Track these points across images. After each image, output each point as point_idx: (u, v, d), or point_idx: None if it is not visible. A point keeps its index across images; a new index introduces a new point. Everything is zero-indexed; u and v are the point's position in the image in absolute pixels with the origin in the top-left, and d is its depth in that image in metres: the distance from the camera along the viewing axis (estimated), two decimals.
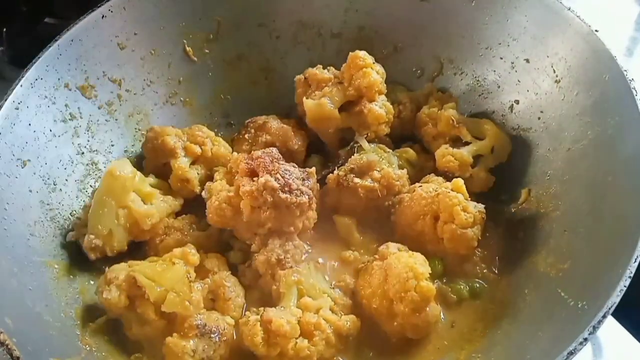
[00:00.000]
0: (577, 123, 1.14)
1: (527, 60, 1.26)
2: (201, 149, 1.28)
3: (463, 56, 1.36)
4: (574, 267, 1.00)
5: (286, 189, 1.10)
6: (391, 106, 1.31)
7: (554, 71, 1.20)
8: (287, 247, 1.14)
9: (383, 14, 1.40)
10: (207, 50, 1.43)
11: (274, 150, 1.18)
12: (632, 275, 0.85)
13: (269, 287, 1.13)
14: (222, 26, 1.42)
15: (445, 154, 1.25)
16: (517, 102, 1.29)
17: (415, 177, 1.27)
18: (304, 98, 1.30)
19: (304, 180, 1.14)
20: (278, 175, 1.10)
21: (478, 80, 1.36)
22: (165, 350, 1.01)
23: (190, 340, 1.01)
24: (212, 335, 1.03)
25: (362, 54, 1.28)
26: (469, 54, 1.35)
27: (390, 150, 1.28)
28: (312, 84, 1.33)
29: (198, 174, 1.27)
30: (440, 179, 1.22)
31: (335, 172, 1.23)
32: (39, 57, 1.16)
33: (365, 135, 1.29)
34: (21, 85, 1.12)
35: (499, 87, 1.33)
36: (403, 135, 1.38)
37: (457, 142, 1.29)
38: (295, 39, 1.46)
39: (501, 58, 1.30)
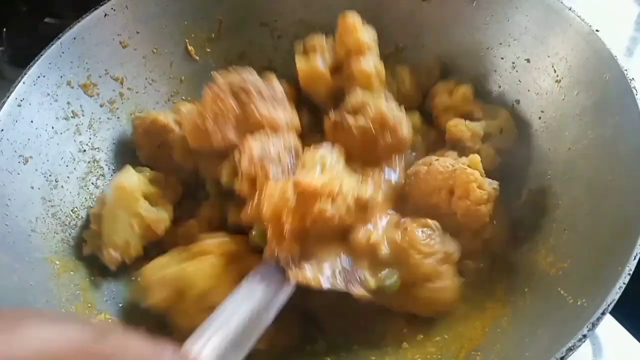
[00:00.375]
0: (578, 123, 1.14)
1: (528, 60, 1.26)
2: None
3: (464, 56, 1.37)
4: (573, 266, 1.00)
5: (243, 81, 1.14)
6: (381, 63, 1.30)
7: (555, 71, 1.21)
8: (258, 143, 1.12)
9: (384, 14, 1.41)
10: (208, 50, 1.43)
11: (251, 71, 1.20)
12: (631, 272, 0.85)
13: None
14: (223, 25, 1.43)
15: (457, 124, 1.27)
16: (517, 101, 1.30)
17: (421, 141, 1.30)
18: (297, 57, 1.32)
19: (268, 86, 1.18)
20: (240, 77, 1.15)
21: (479, 80, 1.36)
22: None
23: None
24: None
25: (352, 13, 1.29)
26: (470, 54, 1.35)
27: (391, 94, 1.27)
28: (309, 47, 1.34)
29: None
30: (456, 153, 1.23)
31: (332, 111, 1.22)
32: (41, 55, 1.16)
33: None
34: (23, 83, 1.13)
35: (499, 87, 1.33)
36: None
37: (467, 119, 1.30)
38: (296, 39, 1.46)
39: (502, 58, 1.31)
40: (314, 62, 1.30)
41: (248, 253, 1.10)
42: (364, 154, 1.20)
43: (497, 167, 1.26)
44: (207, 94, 1.16)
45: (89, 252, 1.16)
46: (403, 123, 1.20)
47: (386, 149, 1.20)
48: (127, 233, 1.15)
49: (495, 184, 1.15)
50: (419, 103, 1.40)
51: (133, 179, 1.17)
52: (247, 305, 0.93)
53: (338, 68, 1.31)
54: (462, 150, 1.25)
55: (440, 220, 1.13)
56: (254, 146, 1.10)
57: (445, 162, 1.17)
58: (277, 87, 1.21)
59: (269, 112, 1.15)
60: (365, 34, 1.28)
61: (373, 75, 1.27)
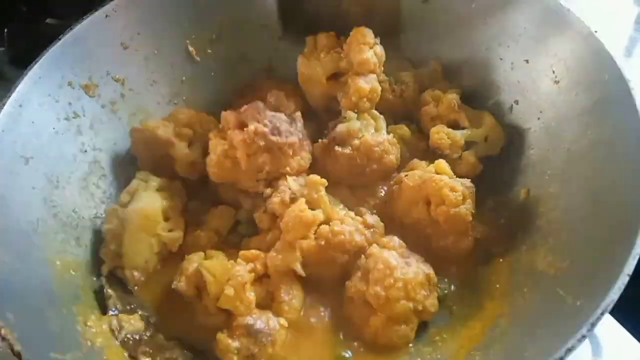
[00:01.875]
0: (577, 123, 1.14)
1: (527, 61, 1.26)
2: (192, 129, 1.30)
3: (463, 57, 1.37)
4: (573, 266, 1.00)
5: (275, 131, 1.18)
6: (379, 87, 1.31)
7: (554, 72, 1.21)
8: (297, 185, 1.19)
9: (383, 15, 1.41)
10: (209, 51, 1.44)
11: (259, 103, 1.24)
12: (630, 273, 0.85)
13: None
14: (224, 27, 1.43)
15: (439, 131, 1.30)
16: (516, 102, 1.30)
17: (409, 155, 1.32)
18: (300, 55, 1.36)
19: (291, 123, 1.22)
20: (266, 121, 1.19)
21: (478, 81, 1.36)
22: (216, 345, 1.07)
23: (237, 340, 1.06)
24: (259, 335, 1.07)
25: (366, 31, 1.31)
26: (469, 55, 1.36)
27: (381, 116, 1.30)
28: (318, 46, 1.36)
29: (194, 153, 1.30)
30: (424, 163, 1.25)
31: (320, 141, 1.27)
32: (42, 56, 1.17)
33: (354, 111, 1.30)
34: (25, 83, 1.13)
35: (498, 87, 1.33)
36: (406, 115, 1.41)
37: (454, 127, 1.32)
38: (296, 39, 1.47)
39: (501, 59, 1.31)
40: (314, 68, 1.34)
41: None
42: (352, 180, 1.27)
43: (480, 174, 1.28)
44: (235, 136, 1.18)
45: (107, 270, 1.18)
46: (390, 151, 1.25)
47: (372, 176, 1.27)
48: (147, 253, 1.19)
49: (467, 182, 1.17)
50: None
51: (157, 204, 1.20)
52: None
53: (338, 75, 1.34)
54: (445, 158, 1.25)
55: (427, 233, 1.18)
56: (288, 191, 1.17)
57: (413, 176, 1.20)
58: (300, 125, 1.25)
59: (298, 164, 1.21)
60: (372, 56, 1.29)
61: (367, 96, 1.29)
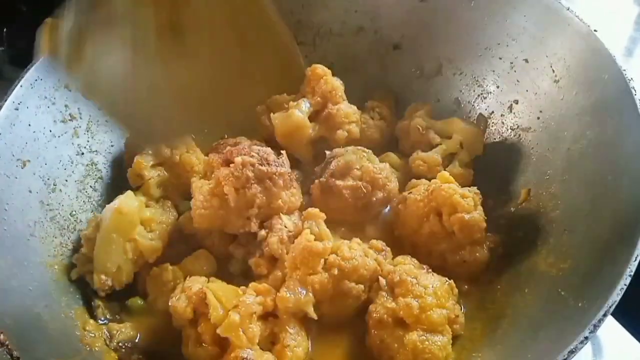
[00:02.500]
0: (577, 123, 1.14)
1: (526, 60, 1.26)
2: (171, 152, 1.25)
3: (462, 56, 1.37)
4: (574, 267, 1.00)
5: (263, 161, 1.11)
6: (356, 109, 1.32)
7: (553, 71, 1.21)
8: (292, 223, 1.13)
9: (382, 15, 1.41)
10: None
11: (244, 138, 1.22)
12: (632, 274, 0.85)
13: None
14: None
15: (416, 159, 1.30)
16: (516, 102, 1.30)
17: (402, 180, 1.28)
18: (271, 114, 1.29)
19: (278, 156, 1.16)
20: (253, 153, 1.12)
21: (477, 80, 1.36)
22: None
23: None
24: None
25: (320, 66, 1.31)
26: (468, 54, 1.35)
27: (370, 151, 1.27)
28: (273, 109, 1.33)
29: (158, 175, 1.24)
30: (424, 180, 1.24)
31: (316, 180, 1.22)
32: (38, 58, 1.15)
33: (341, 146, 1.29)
34: (21, 86, 1.12)
35: (498, 87, 1.33)
36: (388, 145, 1.40)
37: (428, 148, 1.32)
38: (295, 39, 1.46)
39: (500, 58, 1.31)
40: (293, 114, 1.27)
41: None
42: (356, 214, 1.21)
43: (480, 175, 1.28)
44: (220, 173, 1.11)
45: (76, 276, 1.12)
46: (390, 177, 1.23)
47: (377, 206, 1.22)
48: (120, 258, 1.12)
49: (474, 189, 1.15)
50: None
51: (133, 204, 1.14)
52: None
53: (314, 116, 1.31)
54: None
55: (441, 248, 1.14)
56: (284, 230, 1.11)
57: (419, 190, 1.18)
58: (287, 162, 1.18)
59: (290, 200, 1.14)
60: (337, 82, 1.31)
61: (355, 121, 1.30)
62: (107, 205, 1.15)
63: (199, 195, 1.12)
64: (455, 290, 1.07)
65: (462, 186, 1.15)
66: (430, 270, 1.08)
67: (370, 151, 1.26)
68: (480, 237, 1.13)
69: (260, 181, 1.10)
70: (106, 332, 1.08)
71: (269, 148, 1.17)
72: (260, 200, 1.10)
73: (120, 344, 1.07)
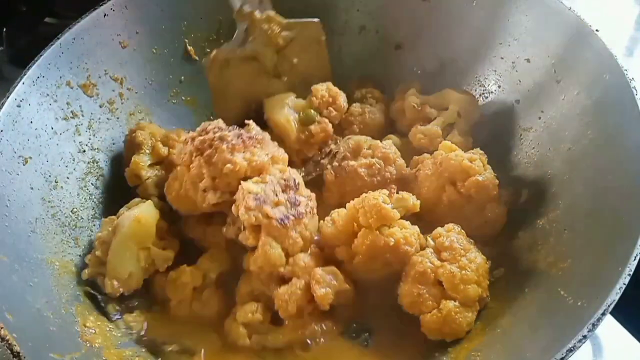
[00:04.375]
0: (578, 123, 1.14)
1: (528, 60, 1.26)
2: (168, 151, 1.26)
3: (464, 56, 1.37)
4: (574, 266, 0.99)
5: (202, 132, 1.13)
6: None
7: (555, 71, 1.21)
8: (257, 186, 1.09)
9: (384, 14, 1.41)
10: (208, 50, 1.43)
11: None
12: (631, 273, 0.85)
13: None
14: (223, 26, 1.43)
15: (416, 133, 1.32)
16: (517, 101, 1.30)
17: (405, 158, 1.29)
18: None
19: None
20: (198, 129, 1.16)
21: (479, 80, 1.36)
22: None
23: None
24: None
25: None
26: (470, 54, 1.36)
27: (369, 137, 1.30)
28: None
29: (156, 175, 1.25)
30: (426, 155, 1.25)
31: (329, 166, 1.24)
32: (41, 55, 1.16)
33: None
34: (23, 83, 1.12)
35: (499, 86, 1.33)
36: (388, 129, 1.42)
37: (428, 122, 1.34)
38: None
39: (502, 58, 1.31)
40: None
41: None
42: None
43: (474, 146, 1.26)
44: (179, 159, 1.16)
45: (87, 277, 1.13)
46: (398, 153, 1.24)
47: (391, 180, 1.22)
48: (132, 265, 1.13)
49: (477, 150, 1.18)
50: None
51: (152, 214, 1.16)
52: None
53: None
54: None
55: (465, 214, 1.16)
56: (248, 195, 1.07)
57: (426, 165, 1.20)
58: (254, 128, 1.18)
59: (247, 157, 1.11)
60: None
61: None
62: (125, 212, 1.16)
63: (170, 181, 1.16)
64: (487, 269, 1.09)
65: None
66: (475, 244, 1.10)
67: (370, 137, 1.29)
68: (495, 194, 1.16)
69: (200, 151, 1.11)
70: (123, 327, 1.10)
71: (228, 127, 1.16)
72: (207, 170, 1.10)
73: (142, 334, 1.10)
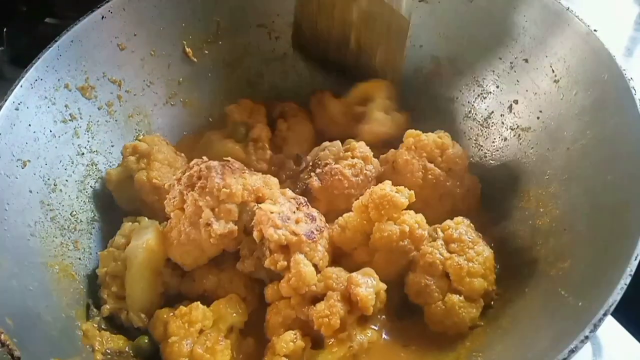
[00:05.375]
0: (577, 122, 1.14)
1: (526, 60, 1.26)
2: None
3: (462, 56, 1.37)
4: (574, 266, 1.00)
5: (187, 169, 1.12)
6: None
7: (553, 71, 1.21)
8: (273, 205, 1.09)
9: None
10: (206, 51, 1.43)
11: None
12: (632, 273, 0.85)
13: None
14: (221, 27, 1.42)
15: (365, 133, 1.34)
16: (516, 102, 1.30)
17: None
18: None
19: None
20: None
21: (477, 80, 1.36)
22: None
23: None
24: None
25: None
26: (468, 54, 1.35)
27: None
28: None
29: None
30: (392, 150, 1.29)
31: (312, 174, 1.23)
32: (38, 58, 1.16)
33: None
34: (21, 86, 1.12)
35: (498, 87, 1.33)
36: None
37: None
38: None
39: (500, 58, 1.31)
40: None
41: None
42: (357, 192, 1.21)
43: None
44: (170, 207, 1.11)
45: (108, 313, 1.10)
46: (370, 151, 1.27)
47: (371, 177, 1.24)
48: (152, 294, 1.11)
49: (439, 132, 1.26)
50: None
51: (160, 238, 1.12)
52: None
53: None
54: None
55: (448, 186, 1.21)
56: (272, 216, 1.05)
57: (401, 153, 1.25)
58: (236, 161, 1.15)
59: (240, 182, 1.09)
60: None
61: None
62: (134, 242, 1.12)
63: (167, 234, 1.10)
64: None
65: (407, 129, 1.27)
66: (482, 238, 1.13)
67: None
68: (467, 163, 1.26)
69: (191, 186, 1.08)
70: (98, 338, 1.05)
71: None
72: (203, 202, 1.06)
73: (108, 351, 1.05)
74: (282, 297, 1.06)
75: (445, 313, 1.06)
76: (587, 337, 0.81)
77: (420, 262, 1.09)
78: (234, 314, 1.08)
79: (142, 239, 1.12)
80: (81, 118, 1.24)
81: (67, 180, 1.19)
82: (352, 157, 1.24)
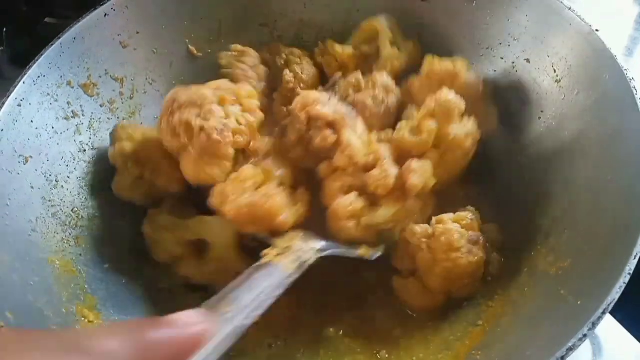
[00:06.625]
0: (578, 122, 1.14)
1: (528, 60, 1.26)
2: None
3: (464, 56, 1.35)
4: (574, 265, 0.99)
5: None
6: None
7: (555, 71, 1.21)
8: None
9: (383, 14, 1.41)
10: (209, 50, 1.43)
11: None
12: (631, 272, 0.85)
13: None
14: (224, 26, 1.43)
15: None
16: None
17: None
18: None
19: None
20: None
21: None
22: None
23: None
24: None
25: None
26: (470, 54, 1.35)
27: None
28: None
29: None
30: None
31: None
32: (41, 55, 1.16)
33: None
34: (24, 83, 1.12)
35: (499, 87, 1.33)
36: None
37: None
38: (297, 39, 1.47)
39: (502, 58, 1.31)
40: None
41: None
42: (379, 123, 1.24)
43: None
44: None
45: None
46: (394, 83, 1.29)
47: (393, 108, 1.26)
48: None
49: (455, 58, 1.25)
50: None
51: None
52: (266, 282, 0.91)
53: None
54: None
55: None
56: (315, 97, 1.12)
57: (415, 80, 1.27)
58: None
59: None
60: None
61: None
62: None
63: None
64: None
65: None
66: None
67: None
68: (482, 92, 1.26)
69: (170, 114, 1.12)
70: None
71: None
72: (187, 114, 1.10)
73: None
74: (336, 170, 1.11)
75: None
76: (585, 336, 0.81)
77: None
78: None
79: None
80: (83, 115, 1.24)
81: (68, 177, 1.20)
82: (374, 88, 1.25)
